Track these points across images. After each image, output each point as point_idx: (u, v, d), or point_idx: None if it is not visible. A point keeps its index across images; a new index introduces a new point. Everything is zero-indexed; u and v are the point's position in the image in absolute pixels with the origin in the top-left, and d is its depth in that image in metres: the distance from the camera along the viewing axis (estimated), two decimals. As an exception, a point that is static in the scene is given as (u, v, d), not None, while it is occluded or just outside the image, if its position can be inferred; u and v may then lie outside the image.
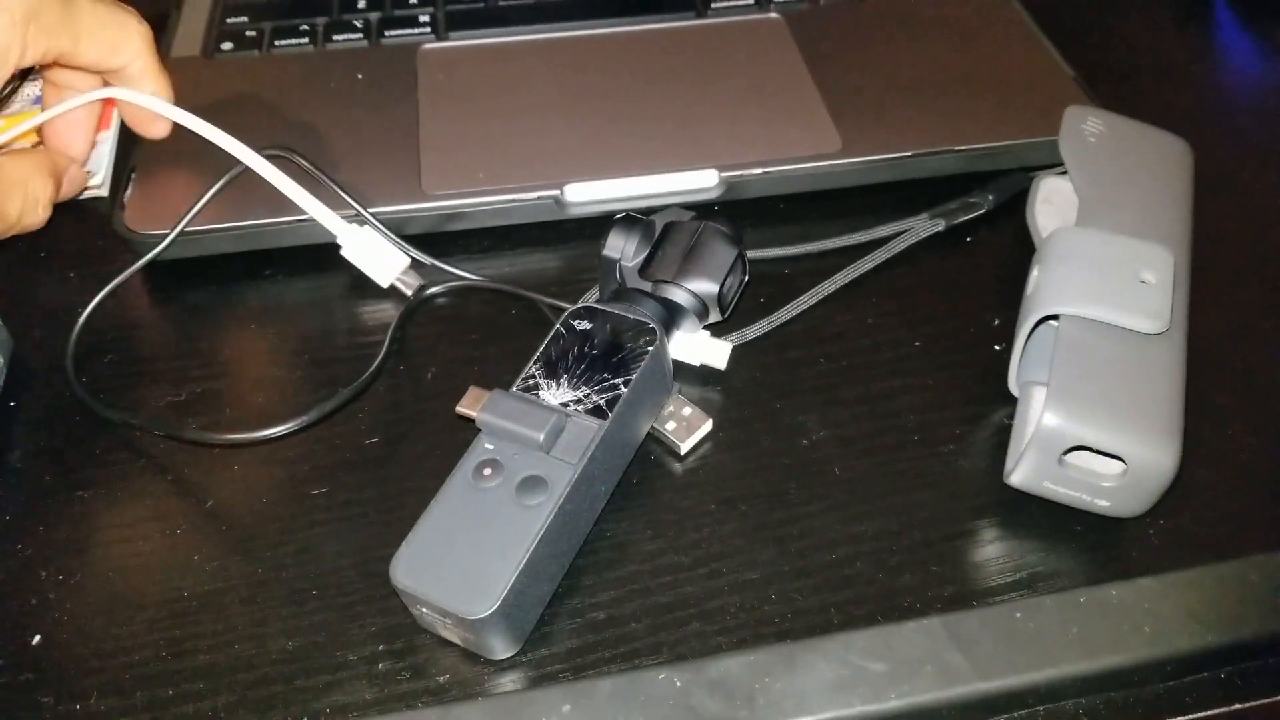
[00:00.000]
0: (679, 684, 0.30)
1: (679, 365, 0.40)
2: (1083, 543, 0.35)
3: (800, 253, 0.44)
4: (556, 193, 0.44)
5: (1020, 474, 0.35)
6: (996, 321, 0.42)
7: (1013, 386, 0.39)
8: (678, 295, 0.39)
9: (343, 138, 0.46)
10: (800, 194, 0.46)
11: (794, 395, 0.40)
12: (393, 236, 0.43)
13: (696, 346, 0.40)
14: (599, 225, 0.45)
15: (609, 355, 0.36)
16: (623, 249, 0.39)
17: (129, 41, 0.41)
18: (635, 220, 0.40)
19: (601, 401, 0.34)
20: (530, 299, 0.42)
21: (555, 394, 0.35)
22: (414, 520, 0.32)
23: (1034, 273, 0.39)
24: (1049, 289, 0.36)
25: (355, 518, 0.36)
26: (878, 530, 0.36)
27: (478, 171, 0.44)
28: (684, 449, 0.38)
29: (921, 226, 0.45)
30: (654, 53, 0.50)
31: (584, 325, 0.37)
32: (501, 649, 0.32)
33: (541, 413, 0.34)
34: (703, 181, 0.44)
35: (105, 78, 0.43)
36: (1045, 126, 0.45)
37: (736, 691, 0.30)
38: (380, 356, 0.40)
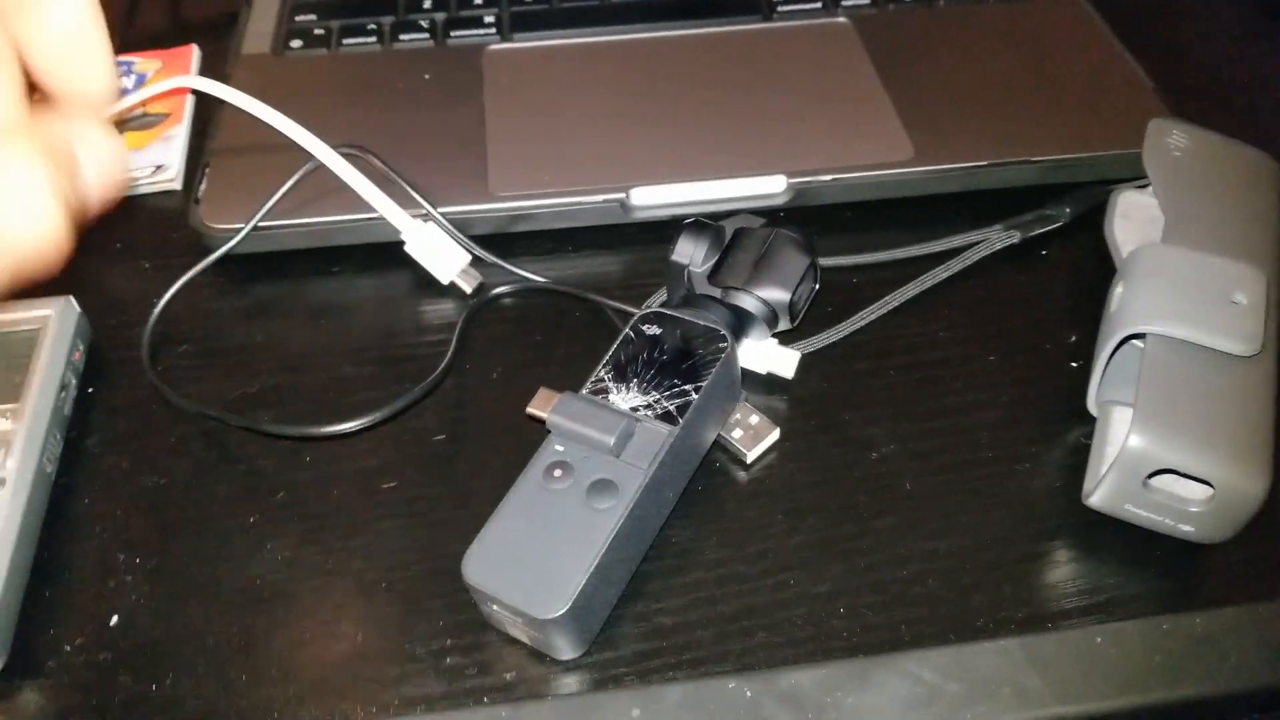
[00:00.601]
0: (749, 694, 0.30)
1: (745, 373, 0.40)
2: (1163, 569, 0.34)
3: (870, 261, 0.44)
4: (622, 196, 0.44)
5: (1101, 495, 0.34)
6: (1073, 338, 0.41)
7: (1092, 406, 0.38)
8: (747, 302, 0.38)
9: (410, 137, 0.46)
10: (869, 202, 0.45)
11: (863, 407, 0.39)
12: (455, 233, 0.43)
13: (764, 354, 0.39)
14: (662, 229, 0.45)
15: (679, 361, 0.36)
16: (692, 254, 0.39)
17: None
18: (705, 226, 0.39)
19: (672, 407, 0.34)
20: (595, 302, 0.42)
21: (625, 398, 0.35)
22: (482, 518, 0.33)
23: (1117, 289, 0.38)
24: (1135, 307, 0.36)
25: (423, 513, 0.36)
26: (949, 548, 0.35)
27: (543, 173, 0.45)
28: (750, 457, 0.37)
29: (996, 238, 0.44)
30: (720, 56, 0.50)
31: (653, 330, 0.37)
32: (568, 650, 0.32)
33: (612, 416, 0.34)
34: (771, 187, 0.44)
35: None
36: (1124, 139, 0.44)
37: (807, 704, 0.29)
38: (449, 354, 0.40)
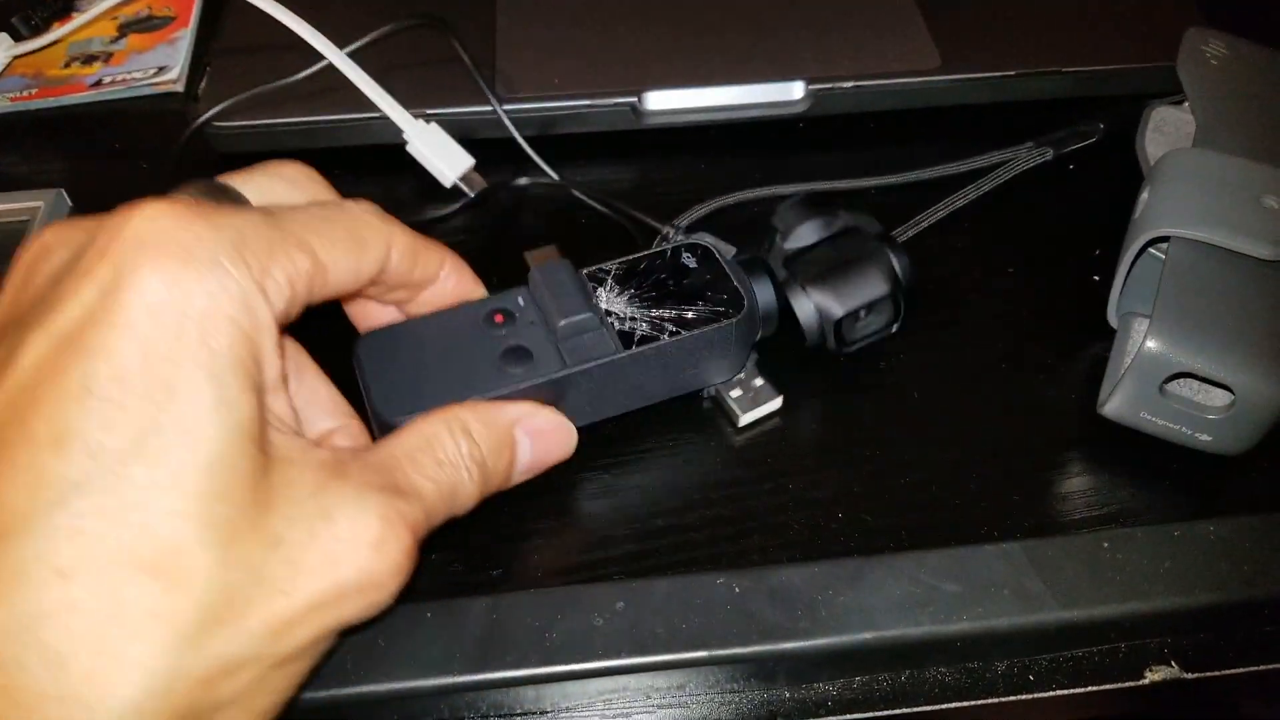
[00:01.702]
0: (737, 590, 0.29)
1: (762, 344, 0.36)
2: (1180, 481, 0.33)
3: (897, 182, 0.42)
4: (634, 100, 0.42)
5: (1115, 403, 0.33)
6: (1097, 252, 0.40)
7: (1112, 318, 0.36)
8: (800, 303, 0.35)
9: (420, 39, 0.45)
10: (893, 113, 0.44)
11: (874, 316, 0.38)
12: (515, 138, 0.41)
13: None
14: (675, 136, 0.44)
15: (684, 301, 0.33)
16: (791, 229, 0.36)
17: (365, 224, 0.28)
18: (820, 208, 0.36)
19: (638, 333, 0.32)
20: (619, 209, 0.41)
21: (611, 300, 0.33)
22: None
23: (1143, 195, 0.36)
24: (1159, 209, 0.34)
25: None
26: (956, 457, 0.34)
27: (554, 77, 0.43)
28: (744, 421, 0.35)
29: (1027, 155, 0.42)
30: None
31: (690, 260, 0.34)
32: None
33: (581, 305, 0.32)
34: (789, 94, 0.42)
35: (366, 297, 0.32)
36: (1160, 52, 0.42)
37: (797, 601, 0.29)
38: None
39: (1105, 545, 0.30)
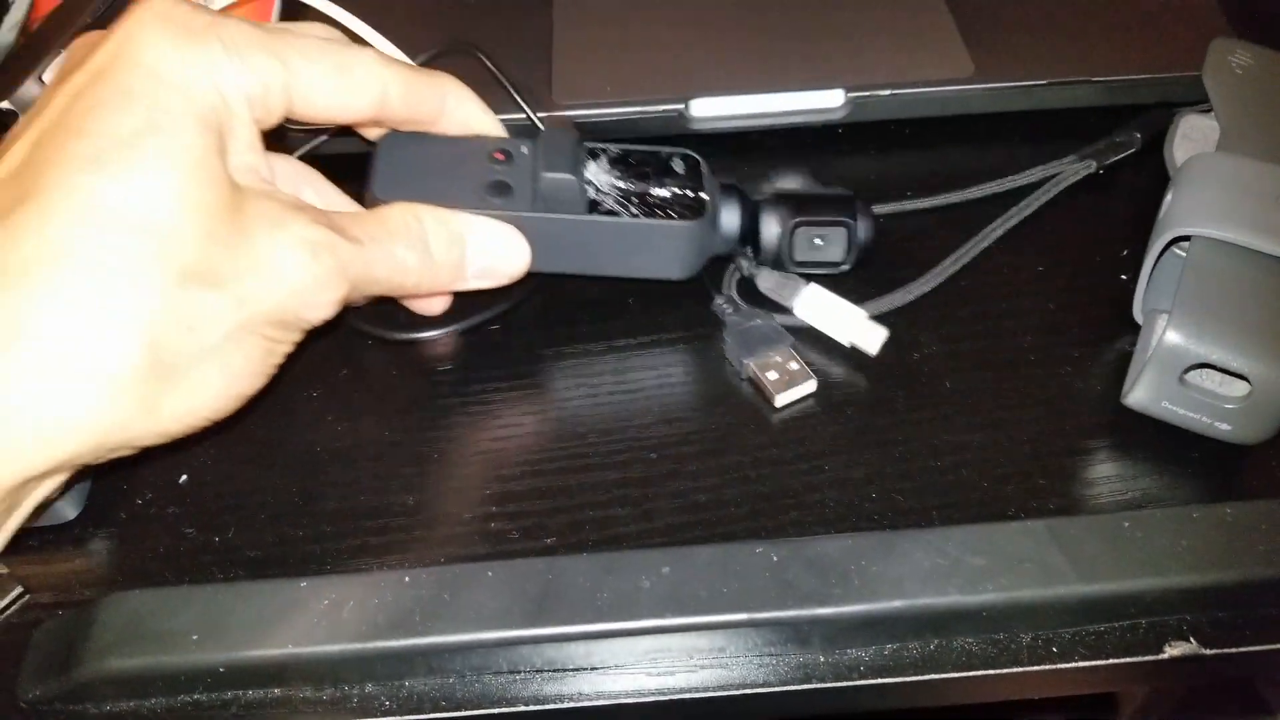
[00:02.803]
0: (775, 558, 0.31)
1: (817, 335, 0.39)
2: (1199, 468, 0.35)
3: (944, 204, 0.43)
4: (681, 107, 0.45)
5: (1138, 393, 0.34)
6: (1125, 252, 0.41)
7: (1137, 314, 0.38)
8: (764, 212, 0.39)
9: (480, 46, 0.47)
10: (928, 119, 0.46)
11: (907, 310, 0.39)
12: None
13: (851, 325, 0.38)
14: (720, 142, 0.46)
15: (658, 196, 0.37)
16: (783, 177, 0.41)
17: (358, 63, 0.33)
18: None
19: (604, 205, 0.37)
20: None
21: (597, 174, 0.38)
22: (534, 403, 0.36)
23: (1168, 197, 0.38)
24: (1182, 210, 0.35)
25: (475, 395, 0.38)
26: (985, 441, 0.36)
27: (605, 84, 0.46)
28: (780, 402, 0.37)
29: (1072, 170, 0.43)
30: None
31: (679, 166, 0.38)
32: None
33: (568, 165, 0.36)
34: (829, 101, 0.44)
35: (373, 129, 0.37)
36: (1189, 61, 0.44)
37: (831, 571, 0.30)
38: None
39: (1126, 525, 0.31)
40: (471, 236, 0.35)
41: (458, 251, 0.35)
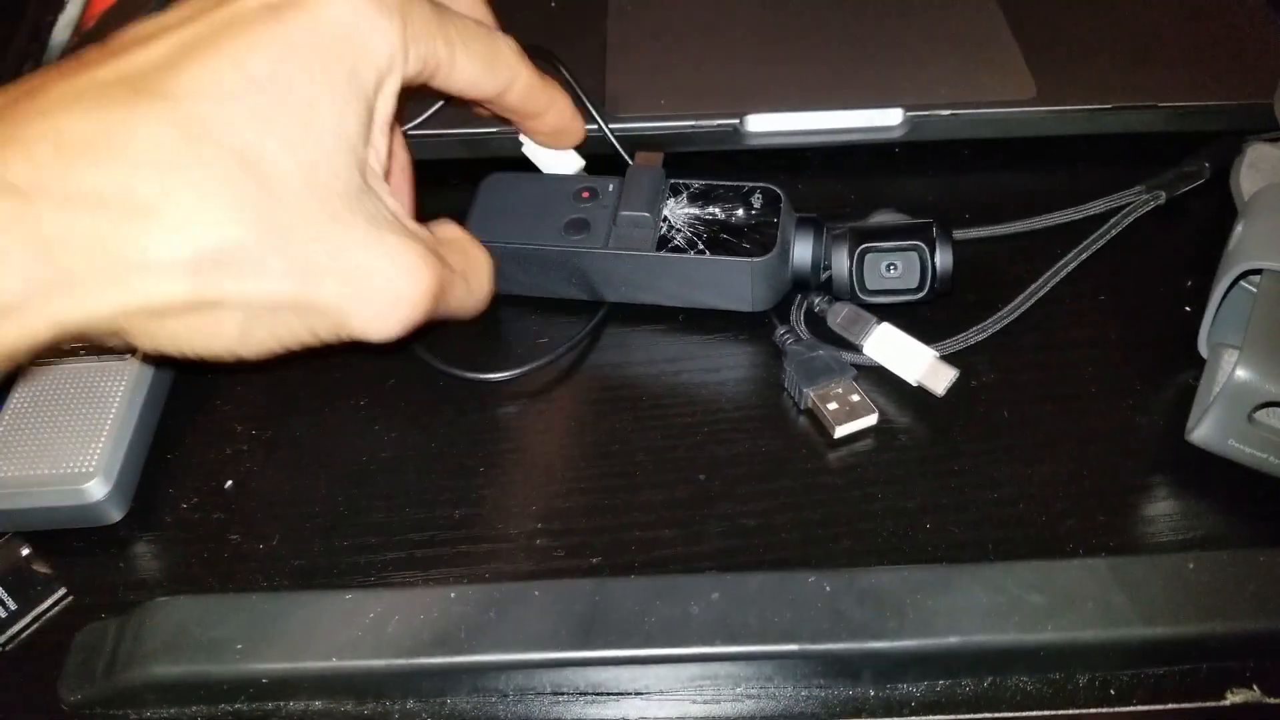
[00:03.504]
0: (828, 588, 0.30)
1: (884, 373, 0.38)
2: (1265, 509, 0.34)
3: (1006, 233, 0.42)
4: (737, 122, 0.44)
5: (1204, 430, 0.33)
6: (1189, 283, 0.40)
7: (1203, 348, 0.37)
8: (835, 246, 0.38)
9: (533, 60, 0.47)
10: (987, 140, 0.45)
11: (965, 339, 0.39)
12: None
13: (921, 365, 0.37)
14: (775, 158, 0.45)
15: (730, 230, 0.38)
16: (870, 218, 0.40)
17: (505, 52, 0.35)
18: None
19: (673, 241, 0.38)
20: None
21: (674, 209, 0.39)
22: (583, 413, 0.36)
23: (1237, 229, 0.37)
24: (1252, 242, 0.35)
25: (524, 406, 0.38)
26: (1044, 475, 0.35)
27: (660, 98, 0.45)
28: (839, 434, 0.36)
29: (1140, 201, 0.42)
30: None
31: (756, 200, 0.39)
32: None
33: (646, 204, 0.38)
34: (887, 120, 0.44)
35: (480, 109, 0.38)
36: (1259, 89, 0.43)
37: (886, 602, 0.30)
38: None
39: (1190, 566, 0.30)
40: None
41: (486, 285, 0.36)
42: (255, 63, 0.27)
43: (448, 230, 0.35)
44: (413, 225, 0.31)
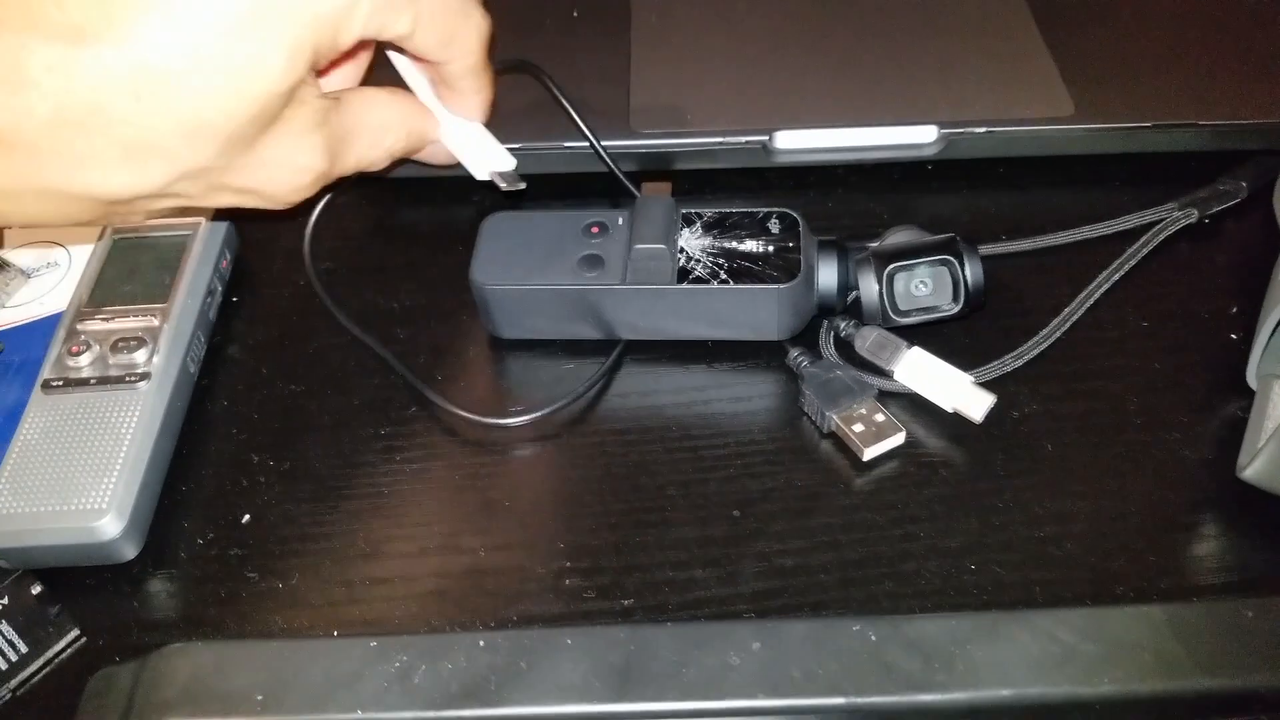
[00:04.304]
0: (873, 638, 0.29)
1: (914, 399, 0.37)
2: (1322, 550, 0.32)
3: (1035, 247, 0.41)
4: (765, 138, 0.43)
5: (1256, 468, 0.32)
6: (1234, 309, 0.39)
7: (1251, 379, 0.36)
8: (862, 267, 0.37)
9: (555, 71, 0.46)
10: (1021, 159, 0.44)
11: (1002, 365, 0.38)
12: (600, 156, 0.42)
13: (955, 390, 0.36)
14: (804, 175, 0.44)
15: (751, 258, 0.36)
16: (890, 235, 0.39)
17: (466, 36, 0.34)
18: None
19: (695, 272, 0.36)
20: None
21: (690, 239, 0.37)
22: (603, 442, 0.35)
23: (1289, 256, 0.35)
24: (1310, 273, 0.33)
25: (548, 437, 0.37)
26: (1090, 511, 0.34)
27: (685, 113, 0.44)
28: (868, 455, 0.35)
29: (1173, 219, 0.41)
30: None
31: (775, 226, 0.38)
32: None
33: (660, 235, 0.36)
34: (921, 137, 0.42)
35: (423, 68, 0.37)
36: (1303, 107, 0.42)
37: (935, 654, 0.29)
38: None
39: (1249, 614, 0.29)
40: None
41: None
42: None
43: (351, 99, 0.34)
44: (311, 110, 0.31)
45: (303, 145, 0.31)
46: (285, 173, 0.32)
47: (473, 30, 0.34)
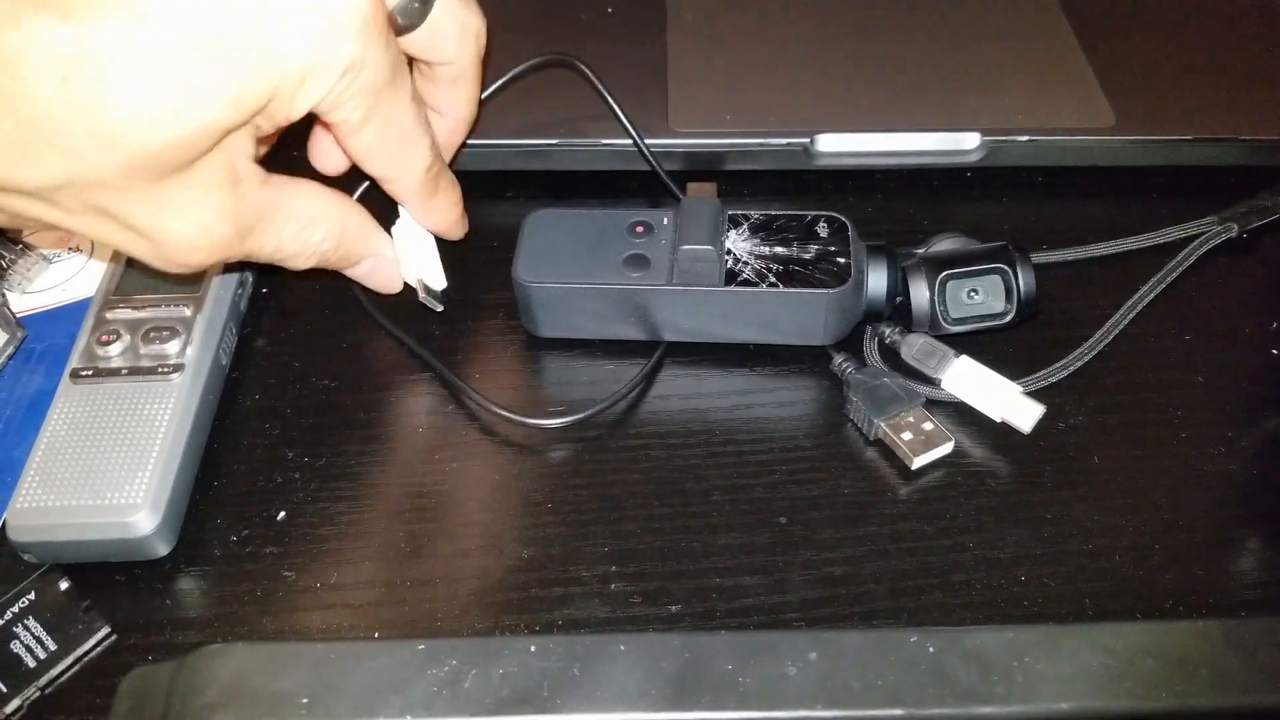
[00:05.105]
0: (931, 649, 0.29)
1: (961, 408, 0.36)
2: (1372, 568, 0.32)
3: (1074, 258, 0.41)
4: (807, 141, 0.42)
5: (1309, 485, 0.32)
6: (1275, 324, 0.39)
7: (1295, 393, 0.36)
8: (914, 275, 0.36)
9: (591, 69, 0.45)
10: (1062, 168, 0.43)
11: (1049, 375, 0.37)
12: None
13: (1004, 400, 0.35)
14: (844, 179, 0.44)
15: (800, 262, 0.36)
16: (937, 242, 0.39)
17: (407, 162, 0.33)
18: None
19: (742, 275, 0.36)
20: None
21: (737, 241, 0.37)
22: (644, 448, 0.34)
23: (1338, 273, 0.35)
24: (1363, 290, 0.33)
25: (588, 440, 0.36)
26: (1138, 525, 0.33)
27: (725, 113, 0.43)
28: (916, 464, 0.35)
29: (1212, 232, 0.41)
30: (912, 4, 0.48)
31: (823, 230, 0.37)
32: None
33: (707, 237, 0.36)
34: (963, 143, 0.42)
35: None
36: (1343, 124, 0.42)
37: (994, 667, 0.28)
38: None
39: (1306, 631, 0.29)
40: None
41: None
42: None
43: (283, 180, 0.32)
44: (234, 165, 0.29)
45: (210, 199, 0.28)
46: (182, 224, 0.28)
47: (418, 156, 0.33)
